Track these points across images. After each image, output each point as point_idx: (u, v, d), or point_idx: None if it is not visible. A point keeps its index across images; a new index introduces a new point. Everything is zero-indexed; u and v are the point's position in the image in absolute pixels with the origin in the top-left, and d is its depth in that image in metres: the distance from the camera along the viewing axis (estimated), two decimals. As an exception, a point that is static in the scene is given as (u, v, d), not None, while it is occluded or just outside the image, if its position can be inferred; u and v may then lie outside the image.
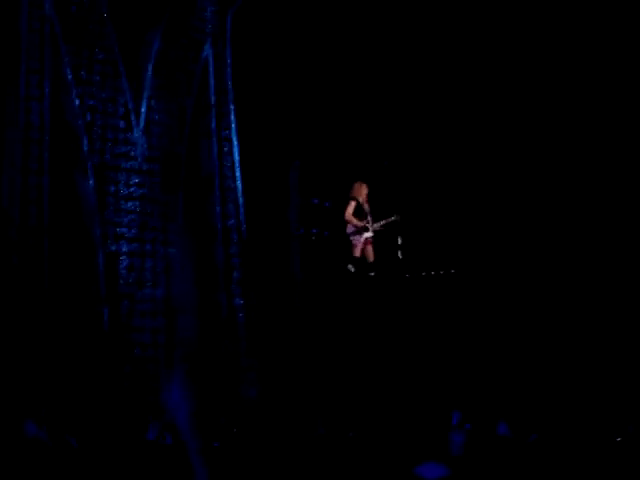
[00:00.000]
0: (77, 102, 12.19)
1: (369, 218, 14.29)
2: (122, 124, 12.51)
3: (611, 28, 13.16)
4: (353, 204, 14.22)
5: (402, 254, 14.57)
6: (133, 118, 12.57)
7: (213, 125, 13.36)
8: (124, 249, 12.41)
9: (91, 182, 12.22)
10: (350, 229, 14.25)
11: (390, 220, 14.32)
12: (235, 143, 13.52)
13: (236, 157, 13.51)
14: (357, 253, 14.28)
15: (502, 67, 13.98)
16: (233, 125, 13.52)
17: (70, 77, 12.16)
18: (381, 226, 14.31)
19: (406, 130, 14.57)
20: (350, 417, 11.73)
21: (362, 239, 14.25)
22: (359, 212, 14.27)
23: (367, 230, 14.25)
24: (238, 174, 13.50)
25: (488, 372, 12.76)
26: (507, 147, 14.13)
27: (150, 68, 12.70)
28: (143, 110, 12.67)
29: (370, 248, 14.34)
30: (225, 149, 13.43)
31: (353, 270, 14.29)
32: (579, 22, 13.33)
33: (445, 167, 14.67)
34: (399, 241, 14.56)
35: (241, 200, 13.49)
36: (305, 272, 14.62)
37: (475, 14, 13.97)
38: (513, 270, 13.91)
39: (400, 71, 14.31)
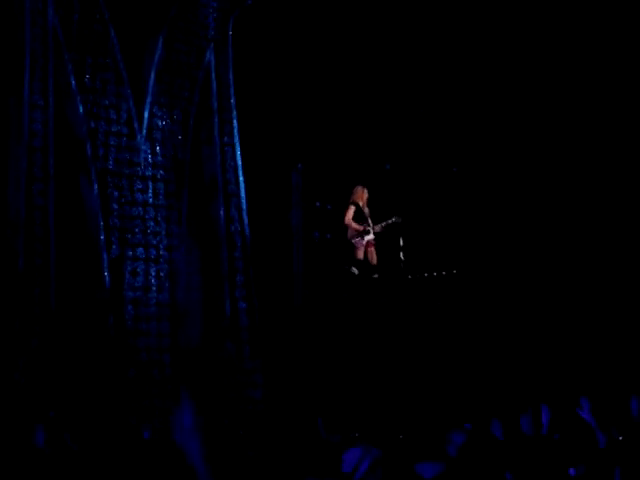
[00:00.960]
0: (81, 109, 12.27)
1: (369, 221, 14.39)
2: (125, 130, 12.60)
3: (611, 28, 13.18)
4: (353, 208, 14.34)
5: (404, 256, 14.66)
6: (136, 124, 12.67)
7: (216, 130, 13.45)
8: (129, 254, 12.50)
9: (95, 188, 12.30)
10: (351, 233, 14.36)
11: (390, 222, 14.42)
12: (237, 148, 13.62)
13: (239, 162, 13.60)
14: (360, 255, 14.38)
15: (501, 68, 14.03)
16: (235, 130, 13.61)
17: (74, 84, 12.24)
18: (382, 228, 14.41)
19: (407, 133, 14.65)
20: (353, 418, 11.80)
21: (364, 242, 14.36)
22: (359, 216, 14.38)
23: (368, 233, 14.35)
24: (241, 179, 13.59)
25: (489, 372, 12.82)
26: (506, 147, 14.19)
27: (152, 75, 12.79)
28: (146, 116, 12.76)
29: (373, 250, 14.45)
30: (228, 154, 13.53)
31: (356, 272, 14.39)
32: (579, 22, 13.36)
33: (446, 169, 14.75)
34: (401, 243, 14.65)
35: (244, 205, 13.58)
36: (308, 275, 14.71)
37: (479, 17, 14.03)
38: (514, 270, 13.97)
39: (401, 75, 14.38)
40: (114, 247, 12.41)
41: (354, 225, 14.31)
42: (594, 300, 12.89)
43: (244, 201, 13.60)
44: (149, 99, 12.79)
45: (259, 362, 13.12)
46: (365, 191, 14.47)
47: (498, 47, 13.97)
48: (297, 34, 13.91)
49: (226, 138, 13.54)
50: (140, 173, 12.69)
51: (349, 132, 14.48)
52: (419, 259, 14.71)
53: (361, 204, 14.44)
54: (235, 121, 13.61)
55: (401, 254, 14.68)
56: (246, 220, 13.57)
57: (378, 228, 14.42)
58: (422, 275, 14.77)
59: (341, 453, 6.28)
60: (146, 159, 12.74)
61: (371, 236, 14.42)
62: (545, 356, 12.69)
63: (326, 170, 14.74)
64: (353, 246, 14.37)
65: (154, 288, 12.64)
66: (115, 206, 12.49)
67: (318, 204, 14.95)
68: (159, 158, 12.87)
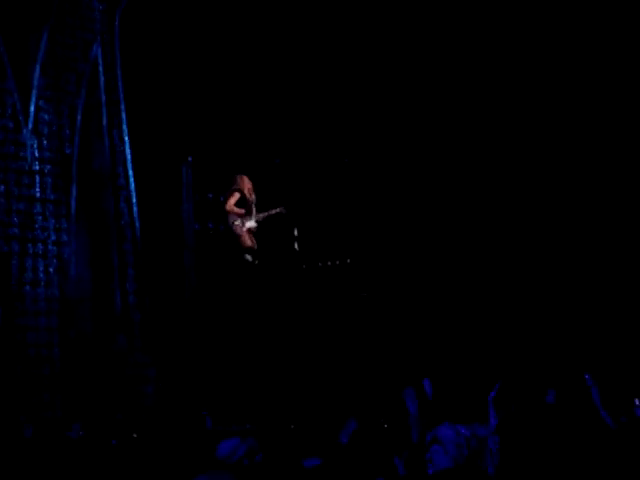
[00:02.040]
0: (-36, 103, 12.11)
1: (253, 209, 14.41)
2: (11, 125, 12.44)
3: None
4: (237, 195, 14.31)
5: (299, 246, 14.76)
6: (22, 119, 12.51)
7: (104, 124, 13.37)
8: (16, 249, 12.37)
9: (-20, 184, 12.16)
10: (232, 218, 14.32)
11: (274, 212, 14.46)
12: (127, 141, 13.53)
13: (128, 155, 13.53)
14: (248, 243, 14.38)
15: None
16: (124, 124, 13.53)
17: (-44, 78, 12.06)
18: (264, 217, 14.44)
19: (296, 125, 14.71)
20: (244, 410, 11.90)
21: (244, 228, 14.34)
22: (244, 204, 14.37)
23: (249, 220, 14.35)
24: (130, 172, 13.53)
25: (382, 361, 13.00)
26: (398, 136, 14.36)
27: (37, 68, 12.63)
28: (32, 110, 12.60)
29: (253, 238, 14.45)
30: (117, 148, 13.45)
31: (250, 259, 14.40)
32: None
33: (337, 160, 14.87)
34: (295, 233, 14.74)
35: (134, 198, 13.52)
36: (200, 267, 14.71)
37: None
38: (412, 259, 14.18)
39: (289, 64, 14.41)
40: (1, 242, 12.26)
41: (235, 210, 14.29)
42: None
43: (134, 194, 13.53)
44: (34, 93, 12.62)
45: (151, 356, 13.11)
46: (246, 179, 14.43)
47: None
48: (184, 26, 13.85)
49: (115, 131, 13.47)
50: (27, 168, 12.54)
51: (239, 123, 14.47)
52: (313, 249, 14.82)
53: (246, 191, 14.42)
54: (124, 114, 13.53)
55: (295, 244, 14.78)
56: (136, 213, 13.51)
57: (261, 217, 14.44)
58: (316, 265, 14.90)
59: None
60: (33, 153, 12.59)
61: (252, 224, 14.40)
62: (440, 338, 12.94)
63: (217, 162, 14.73)
64: (238, 235, 14.34)
65: (42, 283, 12.52)
66: (2, 201, 12.33)
67: (210, 195, 14.93)
68: (46, 152, 12.73)
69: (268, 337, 13.36)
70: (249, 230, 14.34)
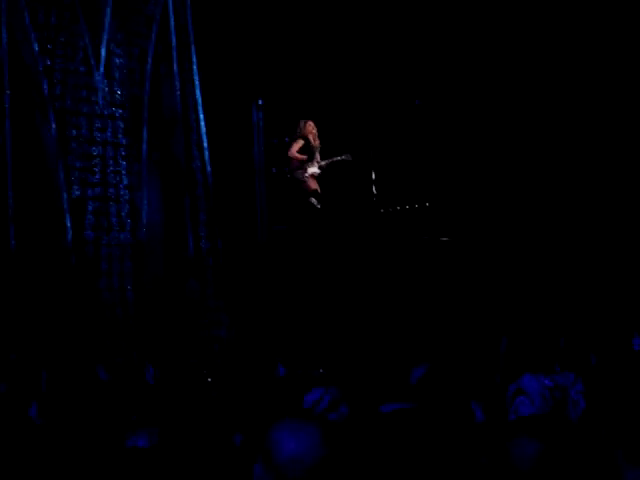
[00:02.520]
0: (36, 46, 12.03)
1: (317, 155, 14.27)
2: (82, 68, 12.38)
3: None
4: (300, 142, 14.20)
5: (376, 190, 14.63)
6: (93, 62, 12.44)
7: (175, 67, 13.25)
8: (88, 194, 12.37)
9: (53, 127, 12.12)
10: (293, 164, 14.23)
11: (339, 159, 14.32)
12: (197, 84, 13.42)
13: (199, 98, 13.41)
14: (312, 187, 14.28)
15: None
16: (195, 66, 13.41)
17: (27, 21, 11.98)
18: (327, 164, 14.31)
19: (367, 68, 14.49)
20: (318, 356, 11.84)
21: (307, 174, 14.23)
22: (306, 150, 14.24)
23: (311, 165, 14.23)
24: (201, 115, 13.42)
25: (456, 309, 12.85)
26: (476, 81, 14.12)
27: (108, 11, 12.52)
28: (103, 54, 12.52)
29: (316, 183, 14.36)
30: (187, 91, 13.34)
31: (317, 203, 14.31)
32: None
33: (408, 102, 14.67)
34: (373, 177, 14.61)
35: (205, 142, 13.42)
36: (271, 212, 14.66)
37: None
38: (490, 203, 13.98)
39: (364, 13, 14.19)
40: (74, 187, 12.26)
41: (298, 156, 14.19)
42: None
43: (205, 138, 13.44)
44: (105, 36, 12.53)
45: (224, 301, 13.09)
46: (311, 124, 14.29)
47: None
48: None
49: (185, 74, 13.35)
50: (99, 111, 12.49)
51: (310, 66, 14.31)
52: (391, 193, 14.69)
53: (310, 137, 14.29)
54: (194, 57, 13.41)
55: (373, 188, 14.66)
56: (207, 157, 13.42)
57: (324, 163, 14.31)
58: (394, 209, 14.77)
59: (303, 390, 6.32)
60: (104, 97, 12.53)
61: (315, 169, 14.28)
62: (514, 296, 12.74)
63: (285, 106, 14.60)
64: (301, 180, 14.25)
65: (116, 228, 12.53)
66: (74, 145, 12.31)
67: (275, 141, 14.83)
68: (117, 96, 12.66)
69: (342, 282, 13.26)
70: (312, 175, 14.25)
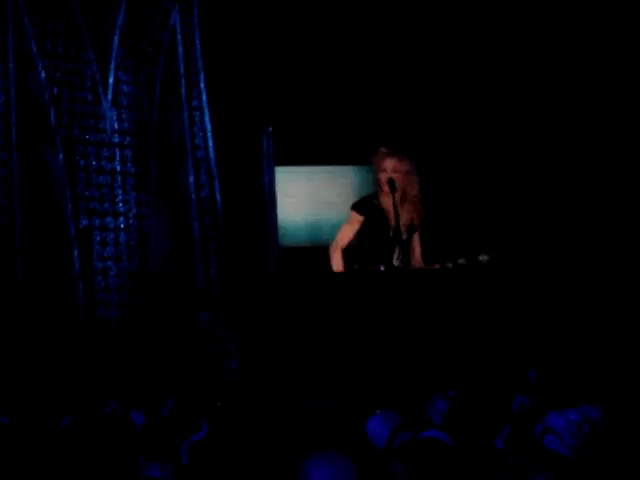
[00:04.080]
0: (43, 75, 11.91)
1: None
2: (90, 97, 12.24)
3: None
4: None
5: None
6: (101, 90, 12.31)
7: (183, 94, 13.11)
8: (96, 224, 12.21)
9: (60, 157, 11.97)
10: None
11: None
12: (206, 112, 13.28)
13: (208, 126, 13.27)
14: None
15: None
16: (204, 93, 13.28)
17: (35, 50, 11.87)
18: None
19: (378, 96, 14.42)
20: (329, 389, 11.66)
21: None
22: None
23: None
24: (211, 143, 13.28)
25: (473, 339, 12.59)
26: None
27: (116, 39, 12.41)
28: (110, 82, 12.39)
29: None
30: (196, 118, 13.20)
31: None
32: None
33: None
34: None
35: (215, 170, 13.28)
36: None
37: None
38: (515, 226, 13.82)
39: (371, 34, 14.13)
40: (82, 217, 12.11)
41: None
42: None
43: (214, 166, 13.29)
44: (113, 64, 12.41)
45: (233, 331, 12.90)
46: None
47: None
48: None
49: (194, 102, 13.21)
50: (107, 140, 12.35)
51: (322, 92, 14.24)
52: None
53: None
54: (203, 84, 13.27)
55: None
56: (217, 186, 13.27)
57: None
58: None
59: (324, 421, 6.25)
60: (112, 126, 12.39)
61: None
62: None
63: (298, 133, 14.53)
64: None
65: (124, 258, 12.36)
66: (82, 175, 12.17)
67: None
68: (125, 124, 12.52)
69: (357, 308, 13.00)
70: None
